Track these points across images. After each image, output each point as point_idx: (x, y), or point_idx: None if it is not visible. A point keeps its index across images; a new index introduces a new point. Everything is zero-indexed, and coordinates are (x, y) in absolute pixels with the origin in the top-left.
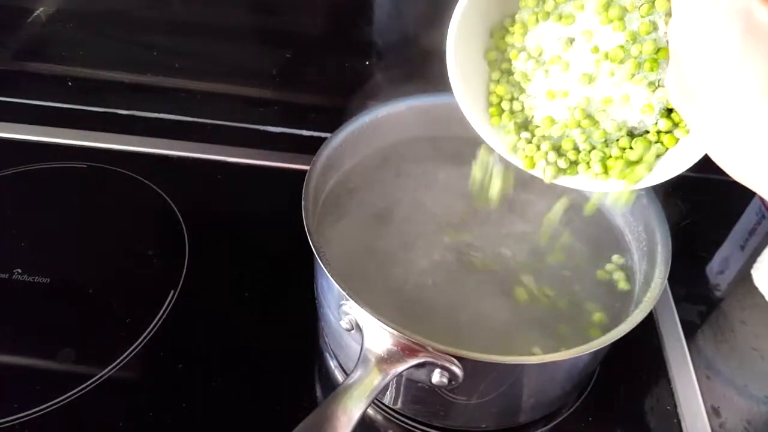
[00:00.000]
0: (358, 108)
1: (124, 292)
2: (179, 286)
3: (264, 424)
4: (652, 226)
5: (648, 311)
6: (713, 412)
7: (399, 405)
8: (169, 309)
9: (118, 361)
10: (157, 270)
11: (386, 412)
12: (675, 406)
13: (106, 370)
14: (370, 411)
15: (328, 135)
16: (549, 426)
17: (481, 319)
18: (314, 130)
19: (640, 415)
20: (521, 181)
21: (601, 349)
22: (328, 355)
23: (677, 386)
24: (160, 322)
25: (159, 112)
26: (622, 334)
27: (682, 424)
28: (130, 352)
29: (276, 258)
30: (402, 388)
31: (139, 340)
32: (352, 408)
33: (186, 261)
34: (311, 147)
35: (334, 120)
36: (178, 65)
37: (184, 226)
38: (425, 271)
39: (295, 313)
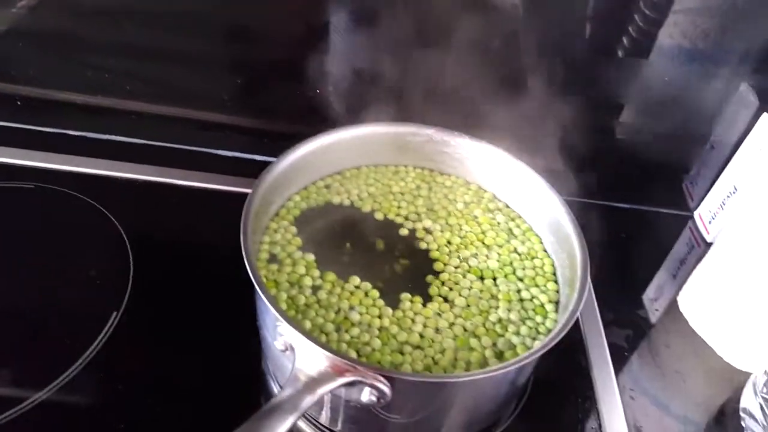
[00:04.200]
0: (311, 134)
1: (64, 314)
2: (122, 308)
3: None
4: (574, 253)
5: (564, 332)
6: (635, 430)
7: (339, 427)
8: (110, 331)
9: (56, 382)
10: (99, 292)
11: None
12: (600, 426)
13: (43, 392)
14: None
15: None
16: None
17: (423, 340)
18: (267, 156)
19: None
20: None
21: (513, 368)
22: (270, 378)
23: (602, 406)
24: (101, 344)
25: (109, 134)
26: (539, 354)
27: None
28: (69, 374)
29: (222, 282)
30: (341, 410)
31: (78, 362)
32: (277, 425)
33: (130, 283)
34: None
35: (288, 146)
36: (129, 88)
37: (129, 248)
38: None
39: (238, 338)
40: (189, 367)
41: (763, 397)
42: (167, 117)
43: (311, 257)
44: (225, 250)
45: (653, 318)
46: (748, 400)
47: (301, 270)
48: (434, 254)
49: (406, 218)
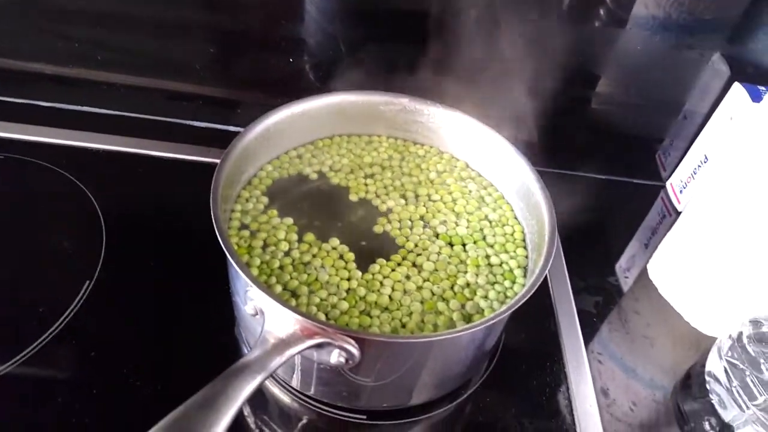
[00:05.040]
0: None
1: (37, 283)
2: (95, 277)
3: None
4: (543, 219)
5: (530, 294)
6: (602, 393)
7: (311, 391)
8: (83, 299)
9: (29, 350)
10: (72, 261)
11: (298, 398)
12: (568, 389)
13: (16, 359)
14: (284, 397)
15: None
16: (451, 405)
17: (392, 303)
18: (240, 126)
19: (537, 396)
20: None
21: (480, 329)
22: (243, 344)
23: (570, 370)
24: (73, 313)
25: (81, 105)
26: (505, 315)
27: (573, 404)
28: (41, 342)
29: (194, 251)
30: (313, 373)
31: (51, 329)
32: (245, 384)
33: (102, 253)
34: None
35: (261, 116)
36: (100, 58)
37: (102, 218)
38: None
39: (211, 306)
40: (162, 334)
41: (727, 361)
42: (139, 87)
43: (289, 221)
44: (197, 220)
45: (623, 285)
46: (714, 364)
47: (281, 234)
48: (395, 232)
49: (376, 195)
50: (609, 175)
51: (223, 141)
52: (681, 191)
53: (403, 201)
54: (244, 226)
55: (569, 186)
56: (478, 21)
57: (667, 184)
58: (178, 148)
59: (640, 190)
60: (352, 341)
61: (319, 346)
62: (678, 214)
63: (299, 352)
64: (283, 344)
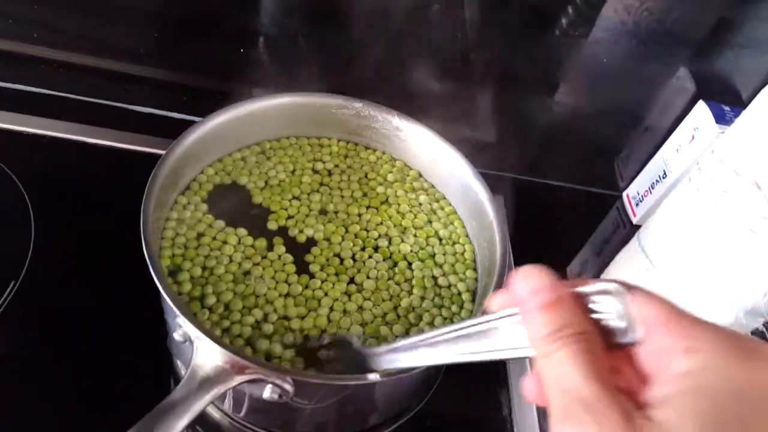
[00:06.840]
0: (233, 94)
1: None
2: (21, 275)
3: (110, 416)
4: (494, 242)
5: None
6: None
7: (242, 414)
8: (8, 301)
9: None
10: None
11: (231, 419)
12: (509, 400)
13: None
14: (216, 415)
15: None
16: (392, 428)
17: (330, 325)
18: (184, 114)
19: (478, 419)
20: None
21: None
22: (173, 355)
23: (512, 380)
24: None
25: (12, 83)
26: None
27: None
28: None
29: (129, 251)
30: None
31: None
32: (172, 426)
33: (31, 249)
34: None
35: (207, 104)
36: (36, 35)
37: (31, 211)
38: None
39: (144, 308)
40: (92, 335)
41: None
42: (77, 65)
43: (243, 231)
44: (134, 217)
45: None
46: None
47: (231, 239)
48: (310, 257)
49: (305, 225)
50: (566, 182)
51: (165, 129)
52: (637, 204)
53: (321, 227)
54: (178, 235)
55: (525, 191)
56: (441, 24)
57: (624, 194)
58: (119, 136)
59: (596, 198)
60: (288, 378)
61: (250, 381)
62: (633, 226)
63: (228, 390)
64: (211, 382)
